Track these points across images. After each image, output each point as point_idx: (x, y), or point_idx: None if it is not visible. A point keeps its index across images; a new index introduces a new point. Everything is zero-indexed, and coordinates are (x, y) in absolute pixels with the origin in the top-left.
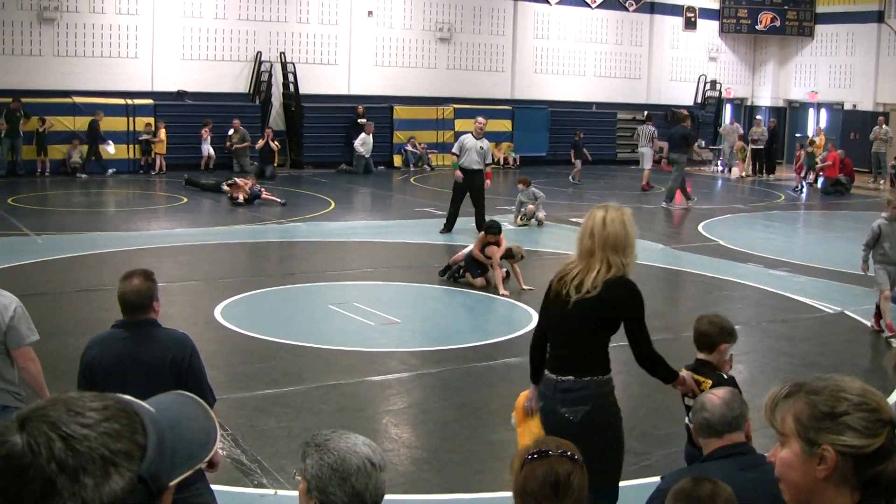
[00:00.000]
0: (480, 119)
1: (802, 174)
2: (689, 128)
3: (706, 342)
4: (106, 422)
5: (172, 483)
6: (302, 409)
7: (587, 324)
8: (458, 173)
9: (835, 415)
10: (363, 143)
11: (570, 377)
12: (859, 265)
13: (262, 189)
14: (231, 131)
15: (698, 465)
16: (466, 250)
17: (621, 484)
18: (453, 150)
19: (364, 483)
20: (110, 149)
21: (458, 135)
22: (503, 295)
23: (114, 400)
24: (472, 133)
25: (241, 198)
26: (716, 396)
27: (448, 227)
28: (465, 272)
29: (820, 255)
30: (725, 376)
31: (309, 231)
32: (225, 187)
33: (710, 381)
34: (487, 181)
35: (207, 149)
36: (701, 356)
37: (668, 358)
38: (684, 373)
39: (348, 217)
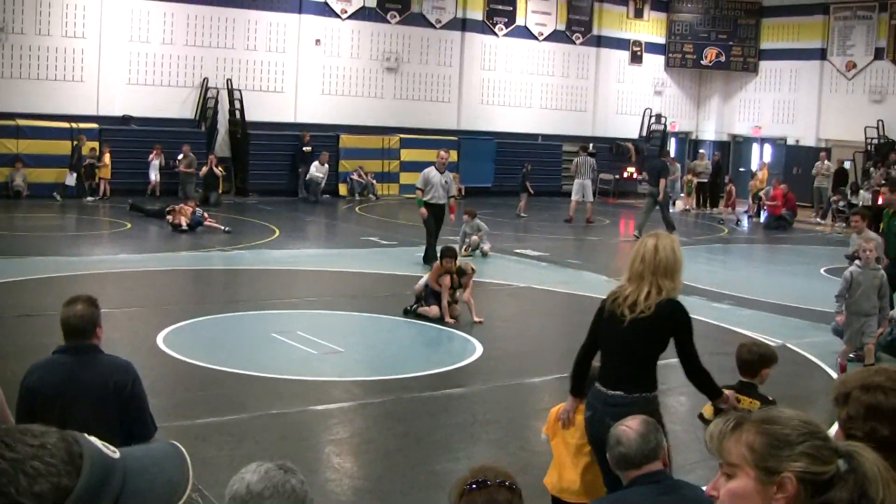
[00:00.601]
0: (443, 153)
1: (744, 208)
2: (667, 162)
3: (748, 369)
4: (34, 459)
5: None
6: (244, 437)
7: (640, 341)
8: (423, 210)
9: (791, 443)
10: (318, 169)
11: (620, 392)
12: (804, 299)
13: (206, 215)
14: (180, 156)
15: (620, 493)
16: (422, 281)
17: None
18: (418, 185)
19: None
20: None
21: (404, 164)
22: (448, 323)
23: (58, 438)
24: (435, 166)
25: (183, 223)
26: (630, 430)
27: (429, 258)
28: (418, 304)
29: (763, 288)
30: (770, 398)
31: (253, 259)
32: (167, 215)
33: (758, 403)
34: (451, 215)
35: (155, 174)
36: (744, 379)
37: None
38: (728, 392)
39: (293, 245)
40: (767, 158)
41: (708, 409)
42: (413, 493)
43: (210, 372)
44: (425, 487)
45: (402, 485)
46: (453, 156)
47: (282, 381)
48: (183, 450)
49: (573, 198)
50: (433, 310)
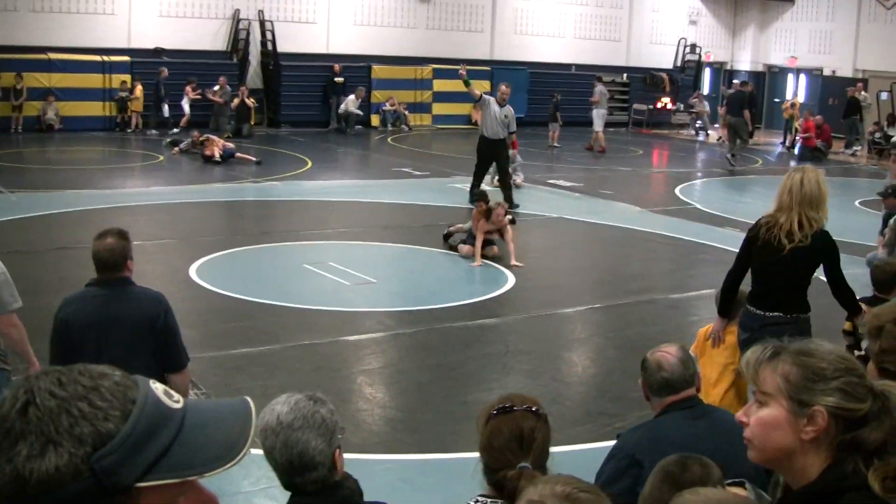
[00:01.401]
0: (504, 87)
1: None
2: (749, 93)
3: (884, 286)
4: (80, 400)
5: (143, 484)
6: (277, 368)
7: (799, 267)
8: (473, 90)
9: (826, 377)
10: (353, 103)
11: (778, 313)
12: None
13: (238, 153)
14: (216, 87)
15: (655, 421)
16: (467, 225)
17: (593, 446)
18: (478, 93)
19: (272, 442)
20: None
21: (436, 95)
22: (475, 265)
23: (115, 381)
24: (495, 99)
25: (216, 154)
26: (671, 355)
27: (474, 196)
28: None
29: None
30: None
31: (285, 190)
32: (195, 134)
33: None
34: (514, 150)
35: (186, 106)
36: (879, 294)
37: (644, 322)
38: (864, 307)
39: (325, 177)
40: (803, 89)
41: (848, 325)
42: (445, 424)
43: (242, 303)
44: (458, 418)
45: (435, 415)
46: (486, 86)
47: (314, 311)
48: (252, 408)
49: (598, 129)
50: (465, 248)
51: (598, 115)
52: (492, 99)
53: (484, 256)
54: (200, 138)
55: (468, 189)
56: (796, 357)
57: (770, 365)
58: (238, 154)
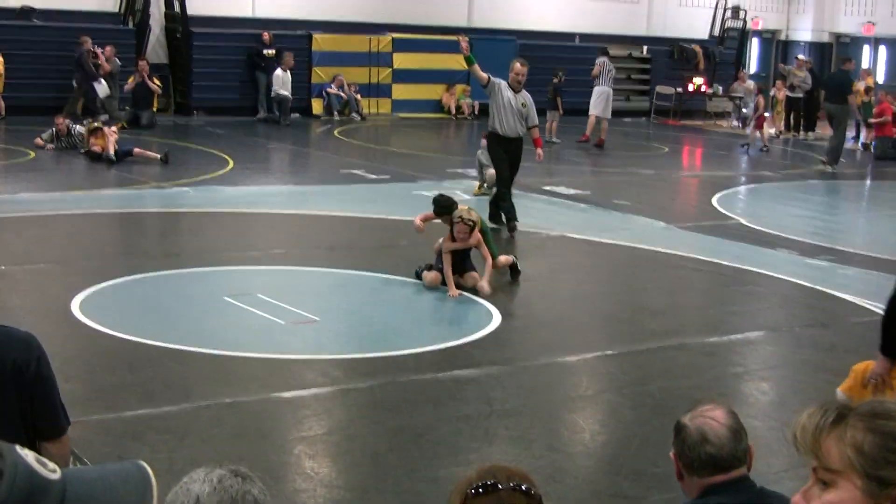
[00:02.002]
0: (519, 65)
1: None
2: (850, 72)
3: None
4: None
5: None
6: (188, 434)
7: None
8: (477, 70)
9: None
10: (283, 81)
11: None
12: None
13: (137, 148)
14: (102, 58)
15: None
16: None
17: None
18: (485, 75)
19: None
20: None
21: (397, 74)
22: (452, 296)
23: None
24: (507, 82)
25: (109, 150)
26: (718, 423)
27: (511, 216)
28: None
29: (873, 239)
30: None
31: (200, 198)
32: (60, 121)
33: None
34: (539, 153)
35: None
36: None
37: (671, 374)
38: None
39: (251, 180)
40: (882, 64)
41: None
42: None
43: (141, 348)
44: (426, 499)
45: (396, 496)
46: (462, 62)
47: (236, 359)
48: (149, 472)
49: (593, 111)
50: (430, 275)
51: (598, 95)
52: (503, 83)
53: (460, 286)
54: (92, 126)
55: (490, 202)
56: (870, 421)
57: (835, 432)
58: (137, 150)
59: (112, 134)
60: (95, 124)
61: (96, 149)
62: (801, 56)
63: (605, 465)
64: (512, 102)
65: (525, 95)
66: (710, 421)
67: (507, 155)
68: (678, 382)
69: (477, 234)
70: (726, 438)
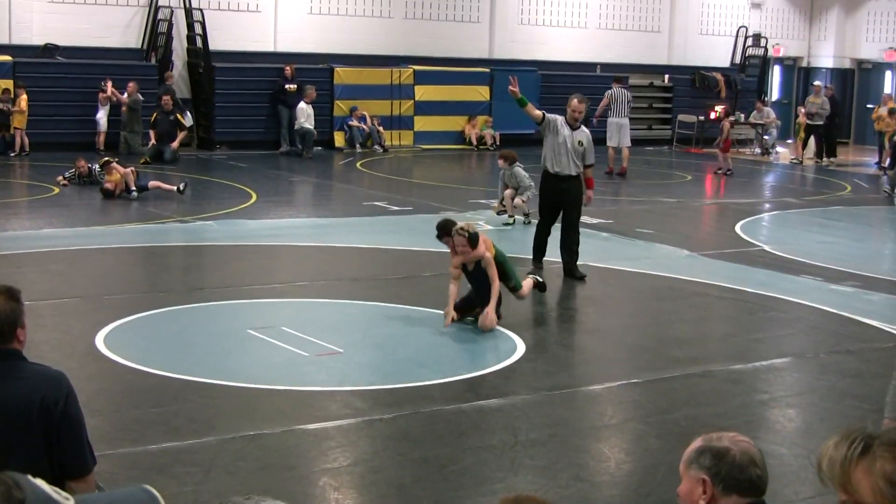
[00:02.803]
0: (576, 101)
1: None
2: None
3: None
4: None
5: None
6: (213, 467)
7: None
8: (532, 108)
9: None
10: (307, 114)
11: None
12: None
13: (153, 181)
14: (125, 95)
15: None
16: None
17: None
18: (540, 113)
19: None
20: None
21: (419, 106)
22: (446, 323)
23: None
24: (565, 118)
25: (130, 186)
26: (755, 449)
27: (536, 258)
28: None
29: None
30: None
31: (223, 232)
32: (82, 162)
33: None
34: (588, 195)
35: (103, 119)
36: None
37: (696, 401)
38: None
39: (274, 213)
40: None
41: None
42: None
43: (166, 381)
44: None
45: None
46: (484, 93)
47: (261, 391)
48: (157, 497)
49: (609, 143)
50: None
51: (610, 126)
52: (559, 119)
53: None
54: (101, 161)
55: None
56: None
57: (863, 464)
58: (153, 183)
59: (122, 169)
60: (105, 159)
61: (108, 186)
62: (817, 83)
63: (632, 494)
64: (568, 141)
65: (583, 133)
66: (748, 445)
67: (554, 196)
68: (703, 410)
69: (481, 248)
70: (763, 463)
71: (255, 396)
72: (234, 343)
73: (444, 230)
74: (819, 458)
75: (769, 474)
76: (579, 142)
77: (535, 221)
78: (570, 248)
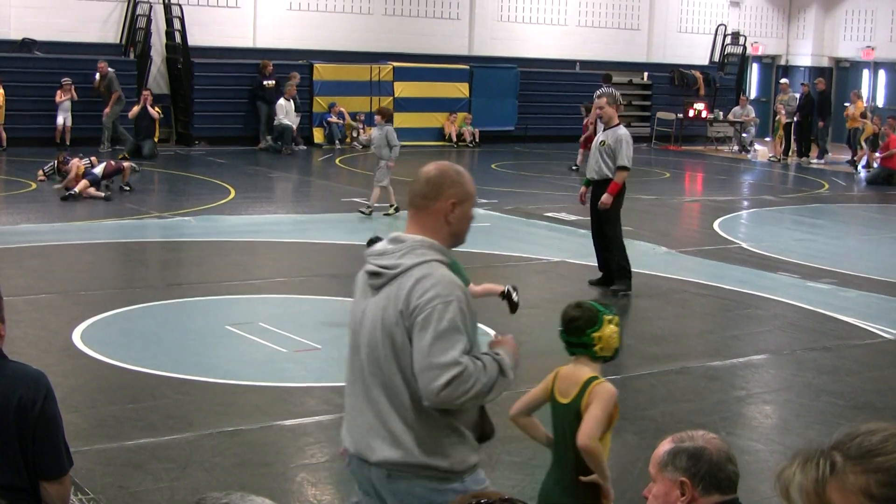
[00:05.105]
0: (595, 97)
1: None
2: (821, 94)
3: None
4: None
5: None
6: (189, 463)
7: None
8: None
9: None
10: (286, 110)
11: None
12: None
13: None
14: (97, 76)
15: None
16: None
17: None
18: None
19: None
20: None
21: (399, 103)
22: None
23: None
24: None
25: (78, 188)
26: (727, 445)
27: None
28: None
29: (874, 262)
30: None
31: (201, 228)
32: (40, 175)
33: None
34: (607, 199)
35: (65, 117)
36: None
37: (674, 398)
38: None
39: (253, 209)
40: (882, 89)
41: None
42: None
43: (143, 378)
44: None
45: None
46: (463, 90)
47: (238, 388)
48: None
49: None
50: None
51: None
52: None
53: None
54: (60, 160)
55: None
56: (864, 462)
57: (835, 482)
58: (84, 189)
59: (79, 166)
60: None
61: (69, 185)
62: (784, 80)
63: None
64: (597, 140)
65: (609, 133)
66: (720, 442)
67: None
68: (680, 406)
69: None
70: (735, 458)
71: (232, 393)
72: (211, 339)
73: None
74: (783, 485)
75: (745, 471)
76: (601, 141)
77: (515, 219)
78: (610, 256)
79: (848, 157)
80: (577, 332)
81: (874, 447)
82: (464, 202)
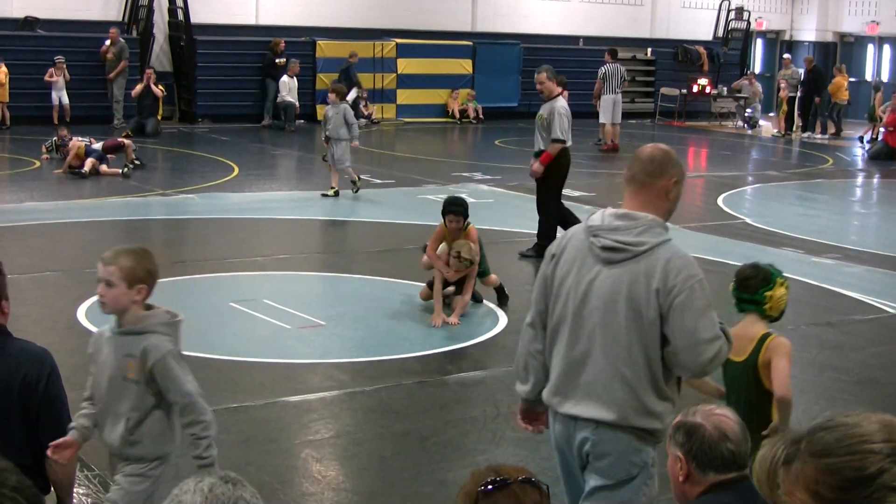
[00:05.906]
0: (542, 73)
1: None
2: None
3: None
4: None
5: None
6: None
7: None
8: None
9: (866, 478)
10: (289, 88)
11: None
12: None
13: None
14: (107, 42)
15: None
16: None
17: None
18: (561, 130)
19: None
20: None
21: (402, 79)
22: (435, 325)
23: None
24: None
25: (86, 168)
26: (731, 420)
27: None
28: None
29: (878, 237)
30: None
31: (205, 205)
32: (44, 153)
33: None
34: (537, 167)
35: (60, 96)
36: None
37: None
38: None
39: (257, 186)
40: (887, 64)
41: None
42: None
43: None
44: (432, 502)
45: (402, 499)
46: (467, 66)
47: (243, 364)
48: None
49: (602, 119)
50: (423, 292)
51: (605, 102)
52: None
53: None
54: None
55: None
56: (818, 459)
57: (789, 472)
58: (103, 168)
59: (80, 145)
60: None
61: (75, 164)
62: (786, 55)
63: None
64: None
65: (546, 106)
66: (724, 419)
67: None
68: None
69: (474, 270)
70: (741, 436)
71: (236, 369)
72: (215, 316)
73: (458, 209)
74: (757, 461)
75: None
76: (539, 114)
77: (516, 196)
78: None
79: (858, 133)
80: (751, 289)
81: (827, 446)
82: (681, 181)
